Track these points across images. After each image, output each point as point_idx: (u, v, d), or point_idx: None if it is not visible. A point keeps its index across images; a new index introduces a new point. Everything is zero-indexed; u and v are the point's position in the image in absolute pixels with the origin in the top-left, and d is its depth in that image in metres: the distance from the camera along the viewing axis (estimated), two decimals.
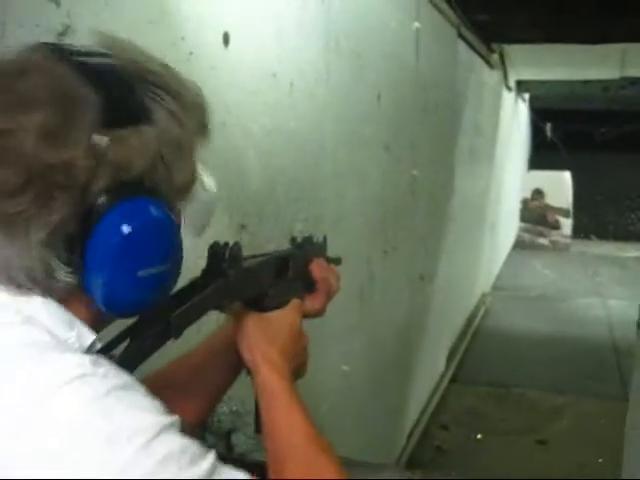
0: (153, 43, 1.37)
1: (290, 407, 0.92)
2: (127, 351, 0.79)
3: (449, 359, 5.31)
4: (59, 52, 0.74)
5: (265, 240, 1.91)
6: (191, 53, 1.51)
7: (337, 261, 1.24)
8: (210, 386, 1.11)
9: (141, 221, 0.74)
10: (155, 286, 0.77)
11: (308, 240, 1.17)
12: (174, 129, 0.78)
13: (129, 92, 0.75)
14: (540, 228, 11.47)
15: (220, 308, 0.95)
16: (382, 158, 3.10)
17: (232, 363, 1.06)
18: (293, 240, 1.16)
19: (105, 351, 0.76)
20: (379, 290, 3.16)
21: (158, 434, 0.66)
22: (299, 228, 2.14)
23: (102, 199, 0.72)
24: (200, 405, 1.11)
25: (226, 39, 1.66)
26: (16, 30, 1.05)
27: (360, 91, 2.72)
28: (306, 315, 1.11)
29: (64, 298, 0.75)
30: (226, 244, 0.93)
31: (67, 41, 1.14)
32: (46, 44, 0.76)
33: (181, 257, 0.81)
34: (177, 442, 0.67)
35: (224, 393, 1.16)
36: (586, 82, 9.07)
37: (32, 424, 0.64)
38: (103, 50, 0.79)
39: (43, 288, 0.73)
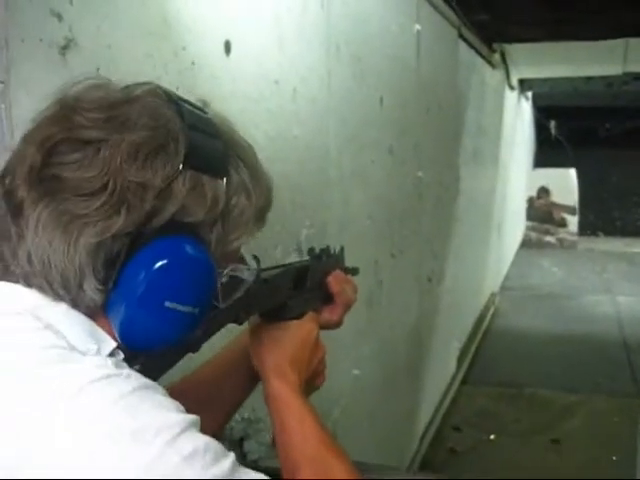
0: (155, 54, 1.38)
1: (301, 415, 0.93)
2: (146, 365, 0.79)
3: (460, 360, 5.30)
4: (166, 94, 0.80)
5: (272, 246, 1.91)
6: (193, 63, 1.51)
7: (354, 271, 1.26)
8: (227, 397, 1.12)
9: (184, 257, 0.76)
10: (176, 324, 0.78)
11: (325, 251, 1.17)
12: (242, 198, 0.82)
13: (217, 147, 0.80)
14: (547, 226, 11.45)
15: (237, 321, 0.95)
16: (386, 161, 3.10)
17: (248, 374, 1.06)
18: (311, 251, 1.16)
19: (129, 362, 0.76)
20: (387, 293, 3.16)
21: (183, 431, 0.67)
22: (306, 233, 2.14)
23: (155, 229, 0.75)
24: (217, 417, 1.12)
25: (227, 47, 1.66)
26: (19, 45, 1.06)
27: (362, 95, 2.72)
28: (323, 327, 1.12)
29: (89, 314, 0.76)
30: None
31: (70, 55, 1.14)
32: (156, 84, 0.82)
33: (209, 307, 0.81)
34: (201, 440, 0.68)
35: (241, 404, 1.16)
36: (589, 79, 9.06)
37: (57, 423, 0.64)
38: (206, 109, 0.85)
39: (72, 297, 0.74)
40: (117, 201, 0.72)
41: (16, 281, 0.74)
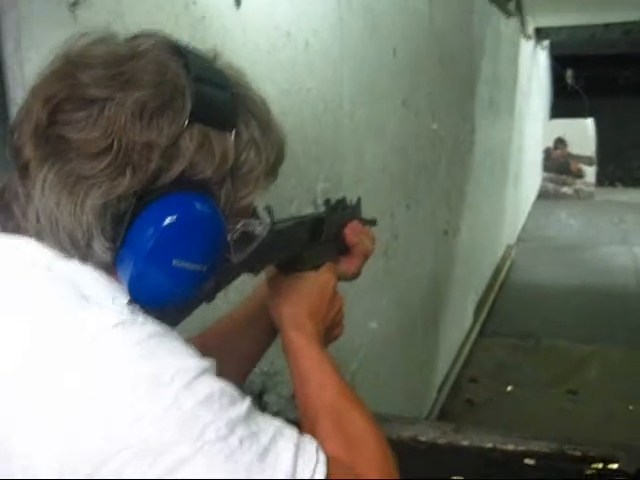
0: (166, 7, 1.37)
1: (320, 365, 0.93)
2: (161, 314, 0.79)
3: (477, 312, 5.32)
4: (172, 46, 0.78)
5: (288, 200, 1.91)
6: (204, 16, 1.50)
7: (372, 222, 1.25)
8: (246, 350, 1.13)
9: (192, 214, 0.75)
10: (184, 282, 0.77)
11: (342, 202, 1.16)
12: (252, 154, 0.80)
13: (225, 100, 0.78)
14: (564, 177, 11.36)
15: (252, 271, 0.95)
16: (400, 112, 3.07)
17: (267, 326, 1.07)
18: (327, 202, 1.15)
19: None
20: (403, 246, 3.16)
21: (198, 375, 0.67)
22: (321, 186, 2.14)
23: (162, 186, 0.74)
24: (237, 369, 1.11)
25: (237, 0, 1.64)
26: (28, 3, 1.05)
27: (375, 46, 2.69)
28: (341, 278, 1.12)
29: (105, 270, 0.76)
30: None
31: (80, 11, 1.13)
32: (163, 36, 0.79)
33: (218, 264, 0.80)
34: (217, 384, 0.69)
35: (260, 356, 1.17)
36: (606, 26, 8.90)
37: (74, 370, 0.65)
38: (215, 58, 0.83)
39: (82, 255, 0.74)
40: (122, 162, 0.71)
41: (29, 236, 0.75)
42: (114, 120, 0.71)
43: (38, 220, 0.73)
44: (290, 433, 0.73)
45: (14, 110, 1.05)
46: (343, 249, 1.14)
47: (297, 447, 0.71)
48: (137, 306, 0.75)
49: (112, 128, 0.71)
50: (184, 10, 1.43)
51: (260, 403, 1.70)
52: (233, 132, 0.78)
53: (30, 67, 1.06)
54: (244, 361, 1.14)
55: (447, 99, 4.04)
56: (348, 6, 2.37)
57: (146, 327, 0.70)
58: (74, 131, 0.71)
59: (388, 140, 2.89)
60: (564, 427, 3.87)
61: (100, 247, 0.74)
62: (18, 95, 1.05)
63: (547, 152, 11.43)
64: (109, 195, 0.72)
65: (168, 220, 0.73)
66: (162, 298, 0.77)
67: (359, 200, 1.21)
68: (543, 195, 11.20)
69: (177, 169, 0.74)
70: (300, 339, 0.96)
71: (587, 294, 6.21)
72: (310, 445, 0.74)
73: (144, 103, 0.72)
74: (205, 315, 0.98)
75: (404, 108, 3.11)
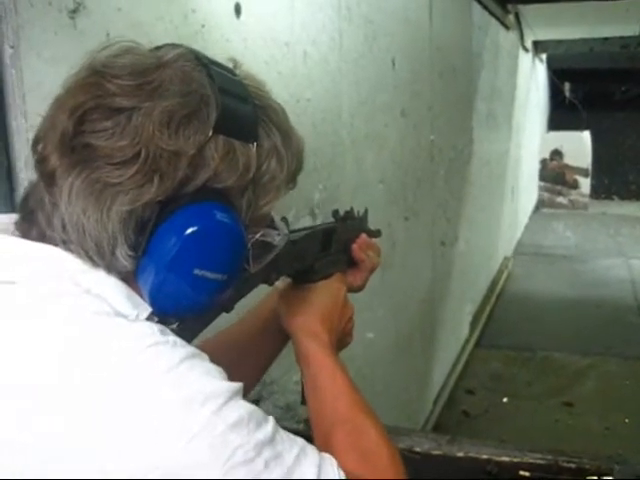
0: (165, 17, 1.37)
1: (333, 373, 0.94)
2: (183, 324, 0.81)
3: (473, 324, 5.31)
4: (197, 57, 0.79)
5: (286, 209, 1.91)
6: (203, 25, 1.50)
7: (377, 233, 1.26)
8: (254, 359, 1.13)
9: (214, 224, 0.76)
10: (205, 291, 0.77)
11: (350, 213, 1.17)
12: (273, 163, 0.81)
13: (248, 111, 0.79)
14: (559, 187, 11.41)
15: (267, 281, 0.96)
16: (399, 124, 3.08)
17: (276, 336, 1.08)
18: (335, 213, 1.16)
19: (165, 324, 0.77)
20: (401, 257, 3.16)
21: (228, 400, 0.68)
22: (318, 197, 2.14)
23: (186, 195, 0.75)
24: (245, 377, 1.12)
25: (238, 10, 1.65)
26: (28, 9, 1.05)
27: (374, 57, 2.69)
28: (349, 290, 1.13)
29: (124, 279, 0.76)
30: None
31: (80, 19, 1.14)
32: (187, 47, 0.80)
33: (238, 273, 0.81)
34: (245, 408, 0.69)
35: (269, 365, 1.17)
36: (604, 40, 8.93)
37: (108, 394, 0.65)
38: (236, 71, 0.84)
39: (106, 264, 0.74)
40: (150, 169, 0.72)
41: (55, 245, 0.75)
42: (142, 129, 0.72)
43: (64, 228, 0.73)
44: (312, 453, 0.74)
45: (12, 115, 1.06)
46: (350, 261, 1.15)
47: (319, 468, 0.72)
48: (156, 319, 0.76)
49: (140, 136, 0.72)
50: (183, 20, 1.43)
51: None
52: (255, 143, 0.79)
53: (29, 73, 1.06)
54: (252, 369, 1.14)
55: (446, 111, 4.05)
56: (348, 17, 2.37)
57: (177, 349, 0.70)
58: (101, 139, 0.72)
59: (386, 151, 2.89)
60: (560, 439, 3.86)
61: (123, 255, 0.74)
62: (17, 101, 1.05)
63: (543, 163, 11.48)
64: (135, 202, 0.72)
65: (190, 229, 0.74)
66: (183, 307, 0.78)
67: (366, 211, 1.22)
68: (539, 204, 11.24)
69: (202, 178, 0.75)
70: (314, 348, 0.97)
71: (583, 306, 6.21)
72: (330, 466, 0.74)
73: (171, 112, 0.73)
74: (217, 321, 0.98)
75: (403, 119, 3.12)
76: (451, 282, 4.49)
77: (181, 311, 0.79)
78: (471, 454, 1.27)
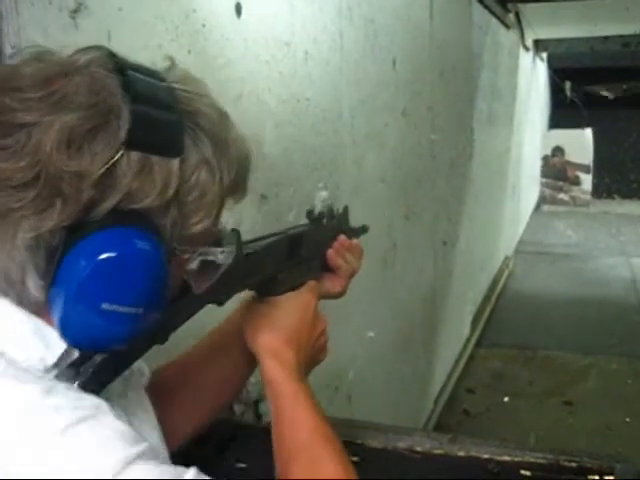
0: (165, 16, 1.37)
1: (294, 400, 0.87)
2: (106, 360, 0.73)
3: (474, 323, 5.31)
4: (111, 61, 0.72)
5: (286, 209, 1.91)
6: (204, 25, 1.50)
7: (361, 231, 1.18)
8: (218, 382, 1.06)
9: (123, 252, 0.68)
10: (118, 325, 0.69)
11: (327, 213, 1.09)
12: (203, 175, 0.74)
13: (170, 121, 0.72)
14: (560, 184, 11.43)
15: (217, 301, 0.87)
16: (400, 123, 3.08)
17: (244, 355, 1.00)
18: (309, 213, 1.08)
19: (86, 360, 0.72)
20: (402, 256, 3.16)
21: (122, 470, 0.62)
22: (319, 196, 2.14)
23: (95, 220, 0.68)
24: (209, 401, 1.07)
25: (238, 9, 1.65)
26: (29, 9, 1.05)
27: (375, 57, 2.69)
28: (325, 296, 1.06)
29: (37, 312, 0.71)
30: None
31: (81, 18, 1.14)
32: (105, 50, 0.73)
33: (160, 305, 0.73)
34: (145, 474, 0.63)
35: (243, 381, 1.11)
36: (605, 38, 8.92)
37: None
38: (162, 75, 0.76)
39: (17, 294, 0.69)
40: (50, 192, 0.65)
41: None
42: (41, 147, 0.65)
43: None
44: None
45: None
46: (326, 266, 1.07)
47: None
48: (73, 358, 0.70)
49: (39, 156, 0.65)
50: (184, 19, 1.43)
51: (256, 412, 1.70)
52: (179, 155, 0.72)
53: None
54: (217, 393, 1.08)
55: (447, 110, 4.04)
56: (348, 17, 2.37)
57: (60, 417, 0.63)
58: (1, 160, 0.66)
59: (387, 150, 2.89)
60: (561, 438, 3.86)
61: (34, 285, 0.68)
62: None
63: (545, 159, 11.51)
64: (40, 229, 0.66)
65: (96, 258, 0.67)
66: (97, 341, 0.70)
67: (346, 209, 1.14)
68: (540, 201, 11.25)
69: (113, 199, 0.68)
70: (276, 370, 0.89)
71: (585, 305, 6.20)
72: None
73: (72, 128, 0.66)
74: (204, 321, 0.97)
75: (404, 119, 3.12)
76: (452, 281, 4.48)
77: (97, 345, 0.71)
78: (472, 453, 1.27)
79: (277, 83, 1.86)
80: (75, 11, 1.13)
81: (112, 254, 0.67)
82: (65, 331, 0.69)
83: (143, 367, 0.96)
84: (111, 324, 0.69)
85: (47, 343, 0.70)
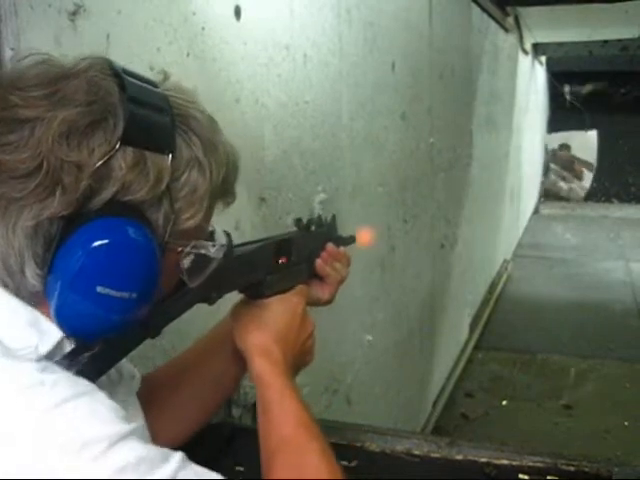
0: (165, 19, 1.37)
1: (281, 394, 0.90)
2: (99, 351, 0.77)
3: (472, 326, 5.31)
4: (109, 67, 0.77)
5: (285, 212, 1.91)
6: (203, 28, 1.50)
7: (349, 240, 1.21)
8: (211, 385, 1.09)
9: (118, 239, 0.73)
10: (111, 310, 0.73)
11: (315, 221, 1.13)
12: (194, 173, 0.79)
13: (163, 121, 0.77)
14: (565, 173, 11.59)
15: (208, 300, 0.92)
16: (399, 126, 3.08)
17: (236, 358, 1.03)
18: (298, 222, 1.12)
19: (80, 351, 0.75)
20: (400, 259, 3.16)
21: (114, 443, 0.64)
22: (318, 199, 2.14)
23: (92, 210, 0.72)
24: (201, 404, 1.09)
25: (237, 12, 1.65)
26: (28, 11, 1.05)
27: (374, 60, 2.70)
28: (313, 303, 1.09)
29: (34, 302, 0.74)
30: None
31: (80, 21, 1.14)
32: (103, 58, 0.78)
33: (151, 293, 0.77)
34: (133, 452, 0.65)
35: (235, 383, 1.13)
36: (604, 42, 8.94)
37: None
38: (156, 83, 0.81)
39: (16, 284, 0.73)
40: (51, 182, 0.70)
41: None
42: (42, 140, 0.70)
43: None
44: None
45: None
46: (314, 273, 1.11)
47: None
48: (66, 350, 0.73)
49: (41, 148, 0.70)
50: (183, 22, 1.43)
51: (254, 414, 1.70)
52: (171, 153, 0.77)
53: None
54: (212, 390, 1.10)
55: (445, 113, 4.05)
56: (348, 20, 2.38)
57: (57, 391, 0.65)
58: (5, 153, 0.70)
59: (386, 154, 2.90)
60: (559, 442, 3.86)
61: (31, 273, 0.72)
62: None
63: (553, 152, 11.70)
64: (39, 217, 0.70)
65: (92, 245, 0.71)
66: (91, 327, 0.74)
67: (334, 217, 1.17)
68: (540, 187, 11.41)
69: (109, 190, 0.72)
70: (265, 367, 0.93)
71: (583, 309, 6.21)
72: None
73: (72, 122, 0.71)
74: (203, 323, 0.97)
75: (403, 122, 3.12)
76: (451, 284, 4.49)
77: (91, 332, 0.75)
78: (470, 457, 1.27)
79: (276, 86, 1.86)
80: (74, 14, 1.13)
81: (106, 241, 0.72)
82: (60, 316, 0.73)
83: (134, 371, 1.00)
84: (105, 309, 0.73)
85: (42, 333, 0.73)
